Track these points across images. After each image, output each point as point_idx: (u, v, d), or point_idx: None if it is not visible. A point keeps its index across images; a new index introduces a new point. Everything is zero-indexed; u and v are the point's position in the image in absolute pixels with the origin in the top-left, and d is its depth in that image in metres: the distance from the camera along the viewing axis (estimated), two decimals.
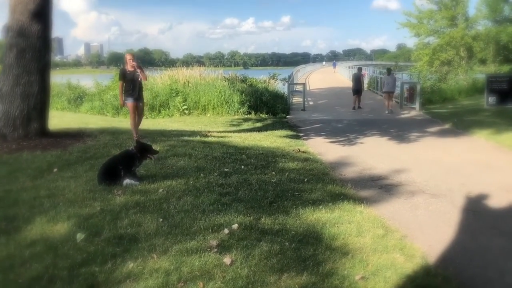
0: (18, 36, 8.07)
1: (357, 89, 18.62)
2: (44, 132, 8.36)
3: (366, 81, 26.55)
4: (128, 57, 9.15)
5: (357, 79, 18.94)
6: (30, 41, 8.09)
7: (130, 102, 9.15)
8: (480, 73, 25.19)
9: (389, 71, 18.43)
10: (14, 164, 6.48)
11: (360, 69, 21.59)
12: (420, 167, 7.88)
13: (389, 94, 17.28)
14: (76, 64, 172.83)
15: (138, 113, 9.36)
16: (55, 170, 6.11)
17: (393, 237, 4.34)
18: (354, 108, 18.32)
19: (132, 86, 9.06)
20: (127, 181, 5.38)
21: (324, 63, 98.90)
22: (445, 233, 4.73)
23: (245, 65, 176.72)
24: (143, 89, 9.79)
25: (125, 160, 5.53)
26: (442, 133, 11.79)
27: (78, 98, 19.85)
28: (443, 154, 9.07)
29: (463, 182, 6.80)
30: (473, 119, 13.55)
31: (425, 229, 4.88)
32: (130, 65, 8.98)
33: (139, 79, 9.07)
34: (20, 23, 8.06)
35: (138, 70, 9.00)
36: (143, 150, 5.69)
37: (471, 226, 5.04)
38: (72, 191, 5.12)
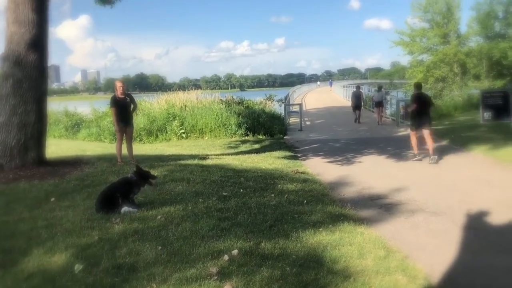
0: (14, 66, 8.13)
1: (357, 105, 19.92)
2: (41, 161, 8.33)
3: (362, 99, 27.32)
4: (118, 84, 9.43)
5: (357, 97, 20.20)
6: (27, 71, 8.14)
7: (118, 127, 9.33)
8: (474, 89, 25.42)
9: (380, 88, 20.10)
10: (11, 194, 6.44)
11: (358, 87, 22.70)
12: (419, 185, 7.86)
13: (379, 108, 18.92)
14: (73, 90, 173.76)
15: (127, 138, 9.50)
16: (52, 199, 6.07)
17: (395, 258, 4.29)
18: (356, 121, 19.77)
19: (121, 112, 9.28)
20: (125, 208, 5.33)
21: (318, 83, 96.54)
22: (447, 252, 4.68)
23: (242, 87, 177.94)
24: (134, 115, 10.16)
25: (124, 187, 5.50)
26: (440, 150, 11.76)
27: (75, 125, 19.90)
28: (441, 171, 9.07)
29: (462, 199, 6.78)
30: (470, 135, 13.59)
31: (426, 248, 4.83)
32: (119, 92, 9.25)
33: (129, 105, 9.36)
34: (17, 53, 8.12)
35: (128, 98, 9.35)
36: (142, 176, 5.66)
37: (473, 244, 5.00)
38: (70, 220, 5.07)
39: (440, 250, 4.77)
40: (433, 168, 9.50)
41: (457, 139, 12.98)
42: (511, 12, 26.27)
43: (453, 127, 16.40)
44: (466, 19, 37.05)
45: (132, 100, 9.48)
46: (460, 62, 26.69)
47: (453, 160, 10.26)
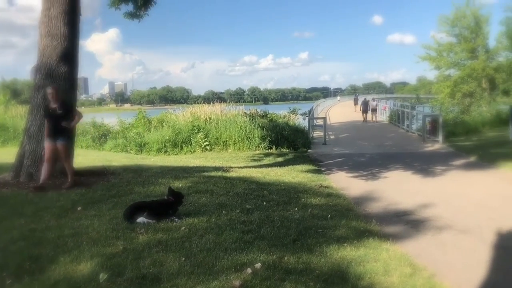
0: (46, 78, 8.36)
1: (365, 110, 29.73)
2: None
3: (387, 113, 27.87)
4: (48, 91, 7.85)
5: (365, 104, 30.25)
6: (57, 83, 8.35)
7: (45, 144, 7.83)
8: (503, 104, 24.85)
9: (365, 99, 32.65)
10: (39, 202, 6.57)
11: (365, 99, 34.57)
12: (446, 201, 7.69)
13: (366, 113, 29.38)
14: (101, 102, 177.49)
15: (63, 156, 7.84)
16: (79, 208, 6.17)
17: (421, 276, 4.20)
18: (364, 121, 29.13)
19: (51, 125, 7.80)
20: (141, 219, 5.39)
21: (338, 98, 77.52)
22: (476, 271, 4.54)
23: (265, 101, 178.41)
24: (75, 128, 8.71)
25: (161, 207, 5.63)
26: (468, 166, 11.54)
27: (102, 136, 20.26)
28: (469, 188, 8.86)
29: (492, 217, 6.59)
30: (499, 151, 13.26)
31: (454, 267, 4.70)
32: (51, 101, 7.81)
33: (61, 117, 7.74)
34: (48, 65, 8.36)
35: (61, 110, 7.77)
36: (177, 197, 5.80)
37: (503, 263, 4.85)
38: (96, 229, 5.14)
39: (468, 268, 4.64)
40: (460, 184, 9.29)
41: (485, 155, 12.67)
42: None
43: (481, 143, 16.05)
44: (495, 34, 36.38)
45: (68, 112, 7.88)
46: (489, 77, 26.19)
47: (481, 177, 10.02)
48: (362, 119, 29.37)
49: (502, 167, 10.94)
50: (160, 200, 5.86)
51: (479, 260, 4.87)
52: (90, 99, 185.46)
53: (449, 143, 16.57)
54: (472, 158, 12.76)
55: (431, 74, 55.68)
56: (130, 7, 10.99)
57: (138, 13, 11.10)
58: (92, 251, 4.38)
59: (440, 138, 17.19)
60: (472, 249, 5.26)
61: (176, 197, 5.77)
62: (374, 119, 29.85)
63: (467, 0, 27.38)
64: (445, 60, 27.74)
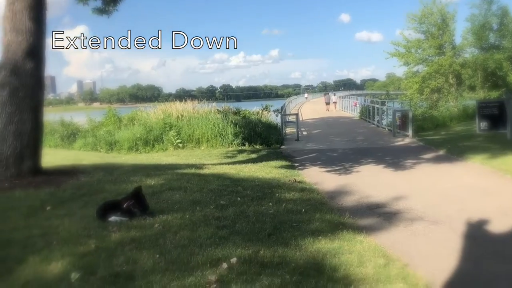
0: (11, 74, 8.07)
1: (328, 102, 40.02)
2: (37, 170, 8.25)
3: (358, 109, 28.23)
4: None
5: (327, 97, 41.90)
6: (23, 80, 8.09)
7: None
8: (470, 100, 25.50)
9: (326, 94, 46.47)
10: (6, 203, 6.35)
11: (327, 93, 47.79)
12: (417, 194, 7.84)
13: (328, 105, 39.56)
14: (69, 101, 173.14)
15: None
16: (48, 208, 5.99)
17: (395, 266, 4.27)
18: (327, 110, 37.97)
19: None
20: (113, 218, 5.27)
21: (306, 95, 72.66)
22: (447, 260, 4.65)
23: (238, 98, 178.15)
24: None
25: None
26: (437, 160, 11.80)
27: (71, 135, 19.77)
28: (439, 180, 9.05)
29: (461, 208, 6.75)
30: (467, 144, 13.61)
31: (426, 257, 4.80)
32: None
33: None
34: (13, 62, 8.07)
35: None
36: (138, 200, 5.62)
37: (473, 252, 4.97)
38: (66, 229, 5.00)
39: (440, 258, 4.73)
40: (431, 177, 9.49)
41: (454, 148, 12.99)
42: (505, 23, 26.45)
43: (450, 137, 16.44)
44: (461, 31, 37.24)
45: None
46: (455, 73, 26.76)
47: (450, 170, 10.26)
48: (325, 109, 38.45)
49: (470, 159, 11.22)
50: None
51: (450, 249, 4.99)
52: (58, 98, 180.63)
53: (418, 138, 16.91)
54: (441, 152, 13.05)
55: (400, 71, 56.86)
56: (98, 2, 10.77)
57: (107, 9, 10.88)
58: (63, 251, 4.26)
59: (410, 132, 17.52)
60: (443, 239, 5.38)
61: (135, 196, 5.59)
62: (335, 109, 39.01)
63: None
64: (414, 56, 28.20)
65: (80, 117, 23.39)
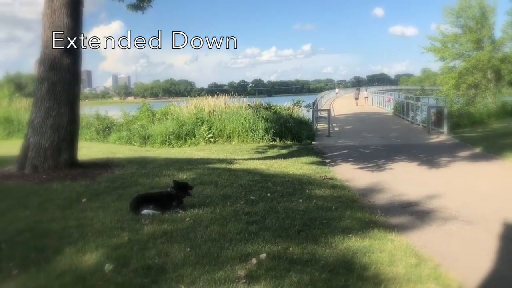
0: (49, 70, 8.35)
1: (357, 97, 40.41)
2: (73, 163, 8.51)
3: (391, 105, 27.71)
4: None
5: (357, 93, 42.11)
6: (61, 75, 8.35)
7: None
8: (509, 96, 24.67)
9: (357, 89, 45.68)
10: (44, 194, 6.59)
11: (358, 88, 46.65)
12: (452, 193, 7.66)
13: (357, 99, 39.88)
14: (104, 95, 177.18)
15: None
16: (83, 200, 6.18)
17: (426, 266, 4.18)
18: (356, 105, 38.32)
19: None
20: (145, 211, 5.38)
21: (336, 90, 69.24)
22: (482, 262, 4.52)
23: (269, 93, 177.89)
24: None
25: (163, 199, 5.59)
26: (473, 158, 11.48)
27: (106, 129, 20.26)
28: (475, 179, 8.82)
29: (498, 208, 6.56)
30: (505, 142, 13.18)
31: (460, 257, 4.69)
32: None
33: None
34: (52, 57, 8.34)
35: None
36: (181, 188, 5.74)
37: (509, 255, 4.83)
38: (101, 221, 5.14)
39: (474, 259, 4.62)
40: (466, 175, 9.25)
41: (491, 146, 12.60)
42: None
43: (487, 134, 15.96)
44: (501, 24, 35.97)
45: None
46: (494, 69, 25.94)
47: (487, 168, 9.97)
48: (355, 104, 38.72)
49: (508, 158, 10.87)
50: (164, 192, 5.83)
51: (485, 251, 4.85)
52: (93, 92, 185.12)
53: (454, 135, 16.49)
54: (478, 149, 12.69)
55: (435, 66, 55.22)
56: None
57: (141, 5, 11.04)
58: (97, 242, 4.39)
59: (445, 129, 17.11)
60: (477, 240, 5.24)
61: (180, 188, 5.74)
62: (366, 105, 39.92)
63: None
64: (450, 51, 27.48)
65: (114, 111, 23.92)
